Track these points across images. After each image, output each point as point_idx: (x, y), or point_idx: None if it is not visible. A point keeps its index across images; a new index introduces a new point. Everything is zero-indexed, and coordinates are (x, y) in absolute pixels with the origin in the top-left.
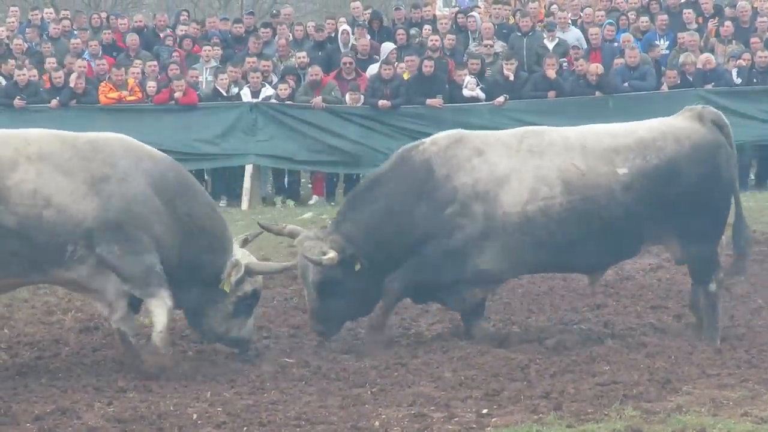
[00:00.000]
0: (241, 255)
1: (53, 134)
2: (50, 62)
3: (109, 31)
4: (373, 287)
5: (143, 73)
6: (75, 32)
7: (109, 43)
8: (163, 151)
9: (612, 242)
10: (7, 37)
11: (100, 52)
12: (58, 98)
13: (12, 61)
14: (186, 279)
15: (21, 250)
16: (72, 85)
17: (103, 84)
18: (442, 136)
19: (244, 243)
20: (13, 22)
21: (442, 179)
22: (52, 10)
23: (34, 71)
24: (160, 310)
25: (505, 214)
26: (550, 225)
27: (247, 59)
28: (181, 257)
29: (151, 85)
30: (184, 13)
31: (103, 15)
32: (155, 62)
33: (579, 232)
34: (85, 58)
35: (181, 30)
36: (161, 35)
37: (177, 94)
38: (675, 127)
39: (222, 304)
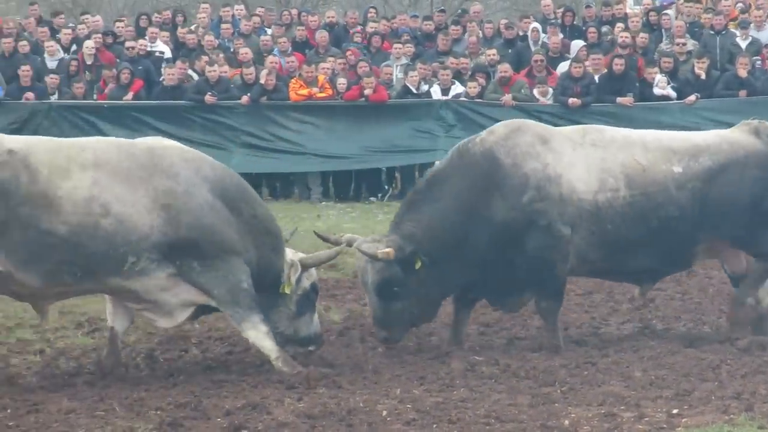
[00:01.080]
0: (291, 253)
1: (108, 141)
2: (244, 55)
3: (301, 27)
4: (437, 289)
5: (333, 69)
6: (266, 29)
7: (302, 40)
8: (350, 144)
9: (667, 245)
10: (199, 33)
11: (290, 49)
12: (248, 95)
13: (204, 58)
14: (257, 286)
15: (74, 258)
16: (262, 81)
17: (293, 81)
18: (499, 126)
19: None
20: (204, 18)
21: (510, 168)
22: (242, 6)
23: (226, 67)
24: (260, 341)
25: (580, 200)
26: (615, 219)
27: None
28: (257, 263)
29: (342, 82)
30: (372, 10)
31: (294, 12)
32: (345, 59)
33: (638, 230)
34: (275, 55)
35: (371, 27)
36: (350, 32)
37: (367, 91)
38: (730, 136)
39: (284, 307)
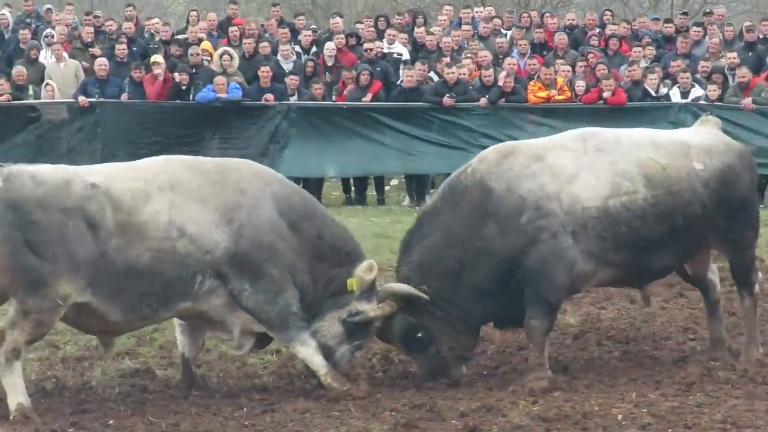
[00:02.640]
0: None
1: (179, 161)
2: (483, 58)
3: (541, 30)
4: (462, 323)
5: (573, 72)
6: (503, 30)
7: (540, 42)
8: None
9: (687, 244)
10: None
11: (529, 51)
12: (486, 96)
13: (445, 59)
14: (320, 296)
15: (152, 287)
16: (501, 84)
17: (531, 83)
18: (490, 151)
19: None
20: (445, 20)
21: (504, 193)
22: (481, 8)
23: (464, 69)
24: (309, 357)
25: (584, 209)
26: (633, 221)
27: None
28: (314, 279)
29: (580, 85)
30: (607, 12)
31: (534, 14)
32: (585, 61)
33: (662, 230)
34: (513, 57)
35: (609, 30)
36: (588, 34)
37: (606, 94)
38: (718, 135)
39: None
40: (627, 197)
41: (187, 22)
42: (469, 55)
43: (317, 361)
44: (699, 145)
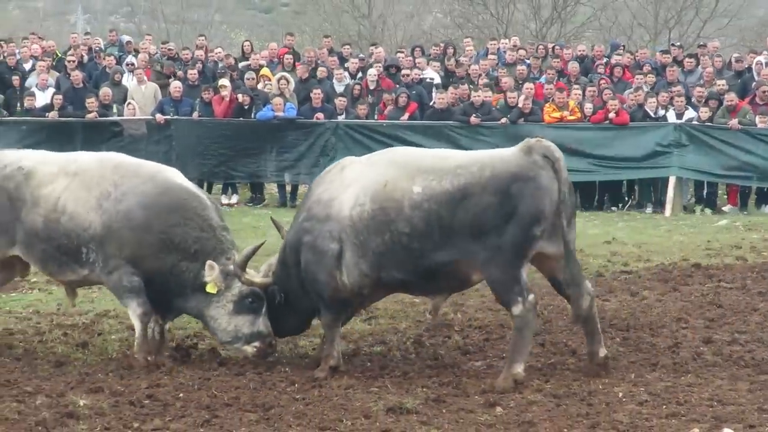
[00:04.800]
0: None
1: (103, 157)
2: (505, 83)
3: (558, 60)
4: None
5: (583, 96)
6: (527, 60)
7: (558, 70)
8: (596, 160)
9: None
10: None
11: (545, 77)
12: (507, 117)
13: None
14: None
15: (50, 249)
16: (520, 105)
17: (547, 105)
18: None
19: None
20: (470, 50)
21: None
22: (508, 40)
23: (489, 92)
24: (133, 319)
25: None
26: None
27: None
28: (166, 269)
29: (588, 107)
30: (621, 50)
31: (549, 46)
32: (594, 87)
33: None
34: (536, 81)
35: (614, 59)
36: (594, 64)
37: (611, 115)
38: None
39: (221, 305)
40: (360, 208)
41: (242, 51)
42: (491, 81)
43: (136, 326)
44: (445, 169)
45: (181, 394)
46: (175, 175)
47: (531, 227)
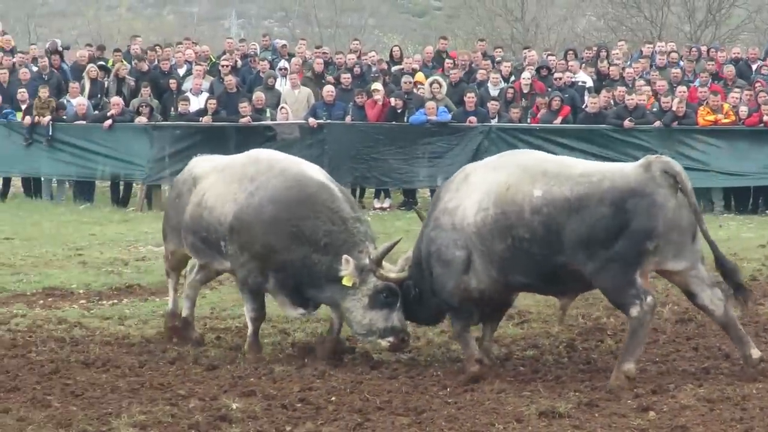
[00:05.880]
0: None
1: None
2: (660, 87)
3: (712, 63)
4: None
5: (740, 98)
6: (681, 63)
7: (712, 73)
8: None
9: None
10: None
11: (698, 81)
12: (661, 120)
13: (621, 88)
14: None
15: None
16: (674, 109)
17: (701, 108)
18: None
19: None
20: (618, 53)
21: None
22: (663, 43)
23: (643, 96)
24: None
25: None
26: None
27: None
28: (299, 262)
29: (743, 110)
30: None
31: (703, 48)
32: (751, 90)
33: None
34: (695, 84)
35: None
36: (756, 65)
37: (765, 118)
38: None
39: (357, 299)
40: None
41: (391, 55)
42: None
43: (249, 328)
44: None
45: (333, 398)
46: (308, 169)
47: (642, 243)
